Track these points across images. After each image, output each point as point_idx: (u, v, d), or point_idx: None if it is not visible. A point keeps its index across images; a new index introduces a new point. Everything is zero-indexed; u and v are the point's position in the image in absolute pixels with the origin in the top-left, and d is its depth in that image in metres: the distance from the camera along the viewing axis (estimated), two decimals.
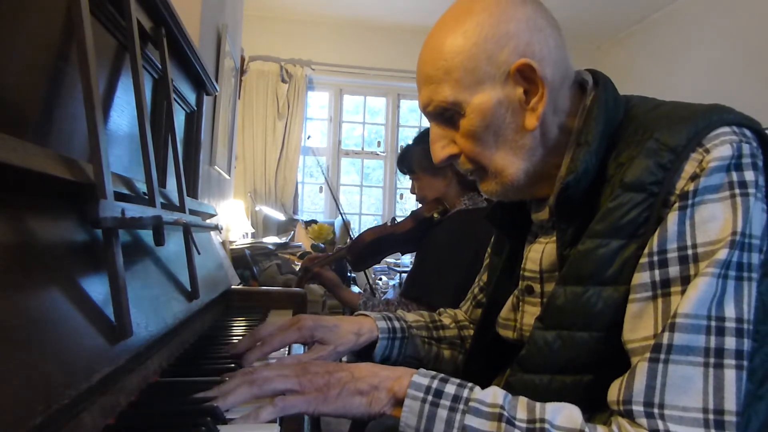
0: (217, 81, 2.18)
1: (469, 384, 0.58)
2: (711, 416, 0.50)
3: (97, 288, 0.55)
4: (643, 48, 4.34)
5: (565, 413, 0.54)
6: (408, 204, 4.80)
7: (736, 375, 0.51)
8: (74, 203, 0.57)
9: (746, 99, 3.28)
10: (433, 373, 0.59)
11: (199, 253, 0.95)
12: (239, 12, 3.07)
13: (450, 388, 0.56)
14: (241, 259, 2.32)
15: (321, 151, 4.73)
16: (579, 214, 0.65)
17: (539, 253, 0.75)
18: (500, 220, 0.84)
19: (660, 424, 0.51)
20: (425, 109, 0.70)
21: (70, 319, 0.49)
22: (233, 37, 2.59)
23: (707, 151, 0.56)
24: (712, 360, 0.51)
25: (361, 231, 1.75)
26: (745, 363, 0.52)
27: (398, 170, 1.76)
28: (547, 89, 0.65)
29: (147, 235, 0.75)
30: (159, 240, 0.68)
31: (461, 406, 0.54)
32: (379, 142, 4.86)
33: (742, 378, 0.52)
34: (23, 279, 0.44)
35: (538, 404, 0.55)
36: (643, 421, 0.51)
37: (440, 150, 0.71)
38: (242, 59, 3.72)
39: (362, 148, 4.85)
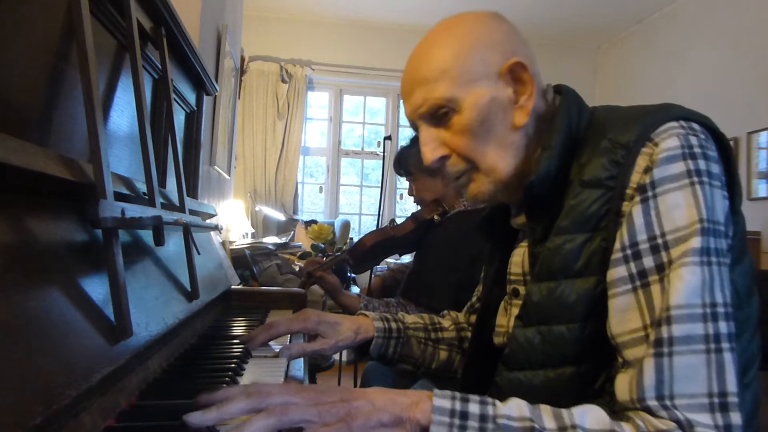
0: (217, 81, 2.18)
1: (489, 399, 0.57)
2: (716, 399, 0.52)
3: (97, 288, 0.55)
4: (643, 48, 4.34)
5: (592, 415, 0.54)
6: (408, 204, 4.80)
7: (731, 357, 0.53)
8: (74, 203, 0.57)
9: (746, 99, 3.29)
10: (450, 393, 0.57)
11: (199, 253, 0.95)
12: (239, 12, 3.07)
13: (474, 408, 0.55)
14: (241, 259, 2.32)
15: (321, 151, 4.73)
16: (546, 213, 0.68)
17: (521, 256, 0.77)
18: (490, 231, 0.87)
19: (679, 415, 0.52)
20: (417, 111, 0.72)
21: (70, 319, 0.49)
22: (233, 37, 2.59)
23: (656, 144, 0.59)
24: (712, 345, 0.53)
25: (362, 235, 1.77)
26: (734, 345, 0.54)
27: (395, 172, 1.77)
28: (535, 87, 0.69)
29: (147, 235, 0.75)
30: (159, 240, 0.68)
31: (490, 426, 0.53)
32: (378, 143, 4.86)
33: (735, 359, 0.54)
34: (23, 279, 0.44)
35: (563, 410, 0.55)
36: (663, 413, 0.53)
37: (431, 152, 0.72)
38: (242, 59, 3.73)
39: (362, 149, 4.85)
